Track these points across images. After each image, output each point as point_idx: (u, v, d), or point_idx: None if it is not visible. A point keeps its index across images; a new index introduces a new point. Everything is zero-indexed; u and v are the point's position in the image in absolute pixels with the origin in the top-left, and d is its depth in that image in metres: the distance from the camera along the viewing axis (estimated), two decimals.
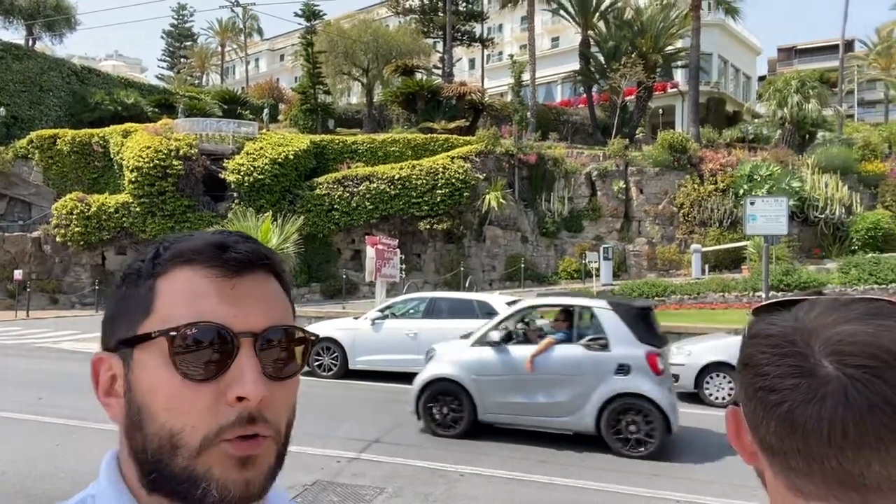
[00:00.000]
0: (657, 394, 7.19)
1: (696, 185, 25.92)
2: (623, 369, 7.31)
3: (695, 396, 10.49)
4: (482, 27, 43.28)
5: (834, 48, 44.78)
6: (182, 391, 0.61)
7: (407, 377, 11.70)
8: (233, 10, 54.95)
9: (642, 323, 7.60)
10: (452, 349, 8.39)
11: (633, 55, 30.74)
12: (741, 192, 24.15)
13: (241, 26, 61.64)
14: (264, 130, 28.75)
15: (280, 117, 39.84)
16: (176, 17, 66.31)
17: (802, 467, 0.61)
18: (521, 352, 7.80)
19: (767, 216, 12.82)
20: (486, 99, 34.52)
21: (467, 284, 23.16)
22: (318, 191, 25.04)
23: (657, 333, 7.86)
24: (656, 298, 18.81)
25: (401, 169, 25.01)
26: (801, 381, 0.60)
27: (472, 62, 54.56)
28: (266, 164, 24.57)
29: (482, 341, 8.08)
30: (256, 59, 70.29)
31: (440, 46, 40.71)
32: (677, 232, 26.03)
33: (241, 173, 24.43)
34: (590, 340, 7.64)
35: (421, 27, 40.06)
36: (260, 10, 76.12)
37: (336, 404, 9.89)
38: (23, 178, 27.94)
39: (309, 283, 24.61)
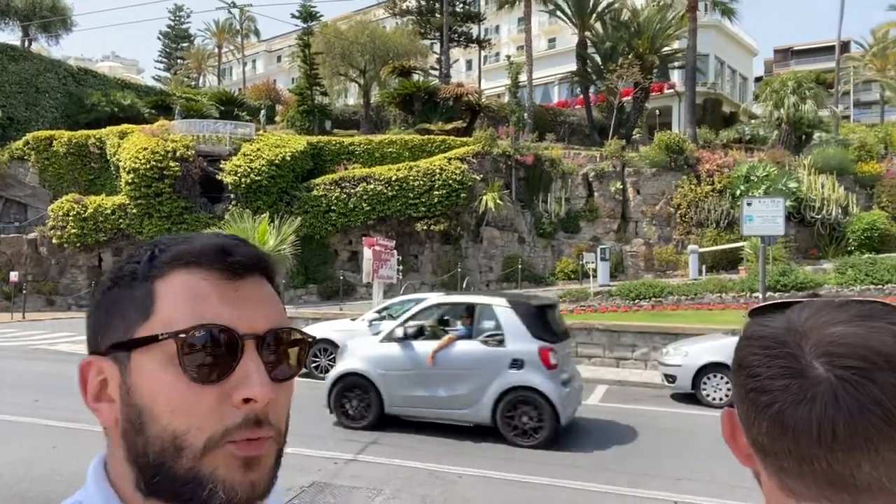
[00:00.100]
0: (547, 387, 7.56)
1: (693, 186, 25.96)
2: (517, 364, 7.69)
3: (692, 397, 10.51)
4: (479, 28, 43.31)
5: (830, 49, 44.90)
6: (187, 393, 0.61)
7: None
8: (230, 12, 54.98)
9: (539, 320, 7.93)
10: (362, 345, 8.71)
11: (629, 56, 30.79)
12: (738, 192, 24.20)
13: (238, 28, 61.58)
14: (261, 132, 28.74)
15: (277, 118, 39.82)
16: (173, 18, 66.27)
17: (794, 468, 0.61)
18: (424, 347, 8.12)
19: (764, 217, 12.84)
20: (483, 100, 34.53)
21: (464, 285, 23.17)
22: (315, 192, 25.03)
23: (554, 330, 8.16)
24: (654, 299, 18.84)
25: (398, 170, 25.02)
26: (791, 382, 0.61)
27: (469, 63, 54.59)
28: (263, 165, 24.55)
29: (389, 337, 8.40)
30: (253, 61, 70.24)
31: (437, 48, 40.72)
32: (674, 233, 26.06)
33: (238, 175, 24.41)
34: (488, 336, 7.98)
35: (418, 28, 40.07)
36: (257, 11, 76.18)
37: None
38: (19, 180, 27.88)
39: (306, 285, 24.59)
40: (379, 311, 12.68)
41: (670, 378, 10.79)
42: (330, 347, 12.34)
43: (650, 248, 25.78)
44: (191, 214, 24.49)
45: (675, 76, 38.75)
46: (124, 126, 27.90)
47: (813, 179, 25.12)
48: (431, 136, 28.21)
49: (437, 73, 39.75)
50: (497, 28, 55.80)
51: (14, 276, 23.06)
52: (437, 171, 24.82)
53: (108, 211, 24.54)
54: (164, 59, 67.35)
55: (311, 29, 34.88)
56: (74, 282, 25.15)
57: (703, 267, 23.52)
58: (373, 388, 8.21)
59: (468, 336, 8.09)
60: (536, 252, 26.08)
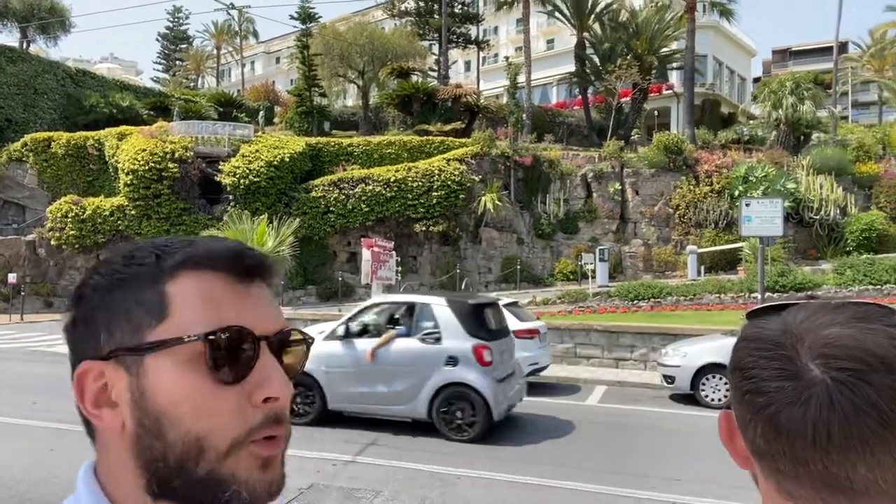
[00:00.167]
0: (481, 383, 7.84)
1: (691, 187, 25.97)
2: (452, 361, 7.96)
3: (691, 398, 10.51)
4: (478, 29, 43.32)
5: (828, 50, 44.97)
6: (210, 395, 0.62)
7: None
8: (228, 13, 54.99)
9: (475, 318, 8.22)
10: None
11: (628, 57, 30.81)
12: (736, 193, 24.21)
13: (237, 29, 61.55)
14: (260, 133, 28.71)
15: (276, 120, 39.79)
16: (171, 19, 66.22)
17: (789, 470, 0.61)
18: (365, 345, 8.31)
19: (762, 217, 12.85)
20: (482, 101, 34.53)
21: (463, 286, 23.16)
22: (313, 193, 25.02)
23: (490, 328, 8.44)
24: (653, 300, 18.84)
25: (396, 171, 25.01)
26: (786, 384, 0.61)
27: (467, 64, 54.60)
28: (262, 166, 24.54)
29: (332, 336, 8.57)
30: (252, 62, 70.22)
31: (436, 49, 40.73)
32: (673, 233, 26.07)
33: (237, 176, 24.39)
34: (425, 334, 8.20)
35: (416, 30, 40.08)
36: (255, 12, 76.14)
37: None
38: (17, 181, 27.85)
39: (305, 286, 24.58)
40: None
41: (669, 379, 10.80)
42: None
43: (649, 249, 25.79)
44: (189, 216, 24.48)
45: (674, 77, 38.78)
46: (123, 127, 27.87)
47: (811, 180, 25.13)
48: (430, 137, 28.21)
49: (435, 74, 39.75)
50: (495, 29, 55.82)
51: (12, 277, 23.03)
52: (436, 172, 24.82)
53: (107, 212, 24.52)
54: (162, 61, 67.31)
55: (309, 30, 34.87)
56: (73, 283, 25.10)
57: (702, 267, 23.53)
58: (316, 385, 8.38)
59: (408, 334, 8.30)
60: (535, 253, 26.08)
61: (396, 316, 8.80)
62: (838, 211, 24.68)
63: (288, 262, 19.14)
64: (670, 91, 38.29)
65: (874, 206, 25.56)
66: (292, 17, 35.53)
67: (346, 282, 24.15)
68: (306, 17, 34.78)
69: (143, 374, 0.62)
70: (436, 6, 39.12)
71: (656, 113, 38.54)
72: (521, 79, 31.88)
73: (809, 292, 17.01)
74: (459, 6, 40.79)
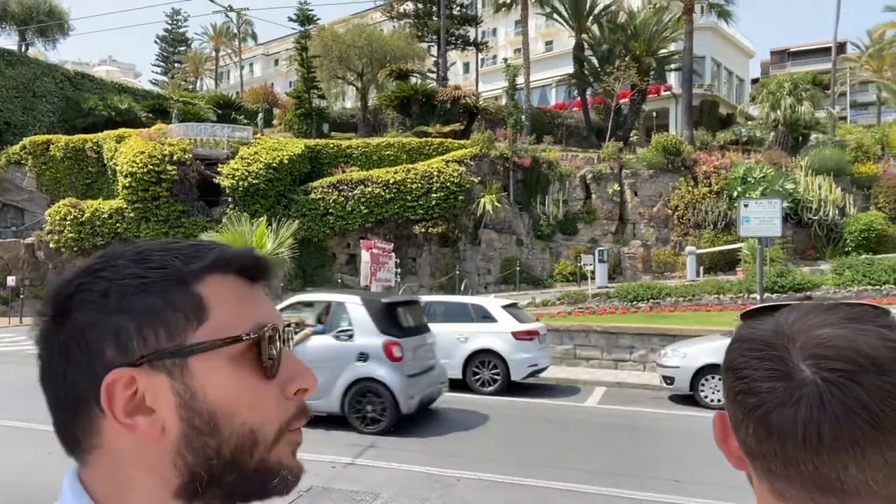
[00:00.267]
0: (390, 378, 8.20)
1: (690, 188, 25.98)
2: (363, 357, 8.32)
3: (691, 398, 10.51)
4: (476, 31, 43.35)
5: (826, 50, 45.02)
6: (255, 389, 0.64)
7: None
8: (227, 15, 54.95)
9: (388, 316, 8.62)
10: None
11: (626, 58, 30.84)
12: (735, 194, 24.22)
13: (236, 31, 61.60)
14: (259, 135, 28.72)
15: (275, 122, 39.80)
16: (170, 22, 66.24)
17: (781, 471, 0.61)
18: None
19: (761, 218, 12.86)
20: (481, 102, 34.55)
21: (462, 288, 23.15)
22: (312, 195, 25.02)
23: (403, 325, 8.83)
24: (652, 301, 18.84)
25: (395, 173, 25.02)
26: (778, 385, 0.61)
27: (466, 66, 54.63)
28: (260, 168, 24.54)
29: None
30: (251, 64, 70.23)
31: (434, 50, 40.76)
32: (672, 234, 26.08)
33: (236, 178, 24.39)
34: (340, 332, 8.55)
35: (415, 31, 40.11)
36: (254, 15, 76.18)
37: None
38: (16, 184, 27.85)
39: (304, 288, 24.53)
40: None
41: (668, 380, 10.80)
42: None
43: (648, 250, 25.80)
44: (188, 218, 24.47)
45: (672, 78, 38.82)
46: (121, 130, 27.88)
47: (810, 181, 25.14)
48: (429, 139, 28.21)
49: (434, 75, 39.78)
50: (494, 31, 55.88)
51: (11, 280, 23.01)
52: (435, 173, 24.82)
53: (106, 215, 24.51)
54: (161, 63, 67.31)
55: (308, 32, 34.89)
56: None
57: (701, 268, 23.54)
58: None
59: (324, 332, 8.62)
60: (535, 254, 26.08)
61: (315, 314, 9.07)
62: (837, 211, 24.69)
63: (287, 264, 19.12)
64: (669, 92, 38.33)
65: (873, 206, 25.57)
66: (291, 20, 35.53)
67: (346, 284, 24.13)
68: (305, 19, 34.80)
69: (190, 376, 0.63)
70: (434, 8, 39.16)
71: (655, 114, 38.57)
72: (520, 80, 31.92)
73: (807, 293, 17.02)
74: (458, 8, 40.83)
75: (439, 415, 9.80)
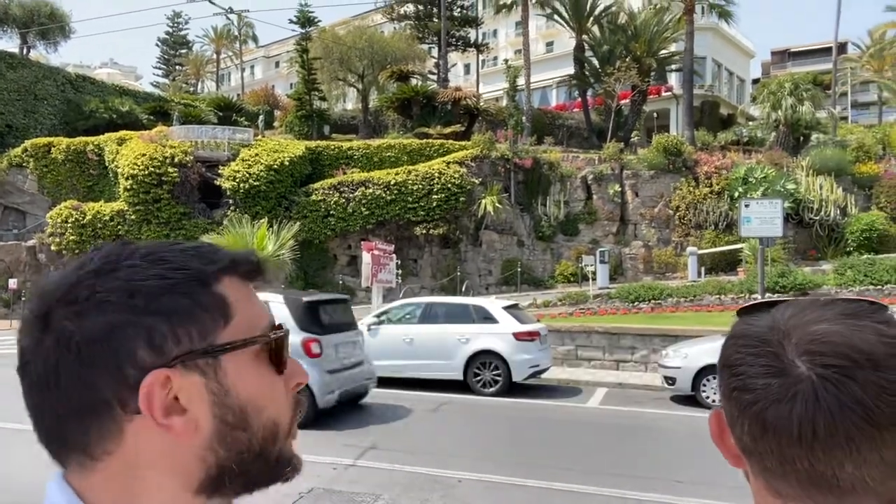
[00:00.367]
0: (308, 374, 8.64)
1: (691, 188, 25.97)
2: None
3: (692, 399, 10.50)
4: (477, 33, 43.36)
5: (827, 51, 44.99)
6: (275, 384, 0.68)
7: (404, 383, 11.72)
8: (227, 18, 55.04)
9: (309, 314, 8.91)
10: None
11: (627, 59, 30.83)
12: (736, 194, 24.20)
13: (237, 33, 61.67)
14: (260, 137, 28.74)
15: (275, 124, 39.83)
16: (171, 24, 66.33)
17: (776, 468, 0.61)
18: None
19: (762, 218, 12.85)
20: (482, 104, 34.56)
21: (464, 289, 23.15)
22: (313, 197, 25.03)
23: (324, 323, 9.12)
24: (653, 301, 18.83)
25: (396, 174, 25.02)
26: (773, 381, 0.60)
27: (467, 67, 54.65)
28: (261, 170, 24.56)
29: None
30: (252, 66, 70.31)
31: (435, 52, 40.78)
32: (673, 235, 26.06)
33: (237, 180, 24.41)
34: None
35: (416, 33, 40.13)
36: (255, 17, 76.29)
37: (332, 410, 9.86)
38: (17, 187, 27.89)
39: (305, 290, 24.56)
40: (378, 316, 12.67)
41: (670, 380, 10.78)
42: None
43: (649, 251, 25.78)
44: (189, 220, 24.49)
45: (673, 79, 38.83)
46: (123, 132, 27.91)
47: (811, 181, 25.12)
48: (430, 141, 28.22)
49: (435, 77, 39.80)
50: (495, 32, 55.90)
51: (13, 283, 23.04)
52: (436, 174, 24.82)
53: (107, 217, 24.53)
54: (162, 66, 67.40)
55: (309, 34, 34.91)
56: None
57: (702, 269, 23.51)
58: None
59: None
60: (536, 255, 26.07)
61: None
62: (838, 211, 24.67)
63: (288, 265, 19.14)
64: (669, 93, 38.32)
65: (874, 206, 25.54)
66: (291, 22, 35.56)
67: (347, 285, 24.14)
68: (305, 21, 34.83)
69: (224, 374, 0.65)
70: (435, 10, 39.18)
71: (655, 115, 38.57)
72: (521, 81, 31.92)
73: (806, 293, 17.02)
74: (458, 9, 40.86)
75: (441, 416, 9.81)
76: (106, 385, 0.61)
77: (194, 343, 0.63)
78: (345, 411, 9.90)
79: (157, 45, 67.50)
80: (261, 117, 36.81)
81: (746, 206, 13.24)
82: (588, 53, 34.59)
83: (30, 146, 27.75)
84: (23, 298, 22.69)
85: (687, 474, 6.69)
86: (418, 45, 39.74)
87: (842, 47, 43.73)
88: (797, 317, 0.64)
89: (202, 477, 0.64)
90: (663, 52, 34.08)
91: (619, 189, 26.60)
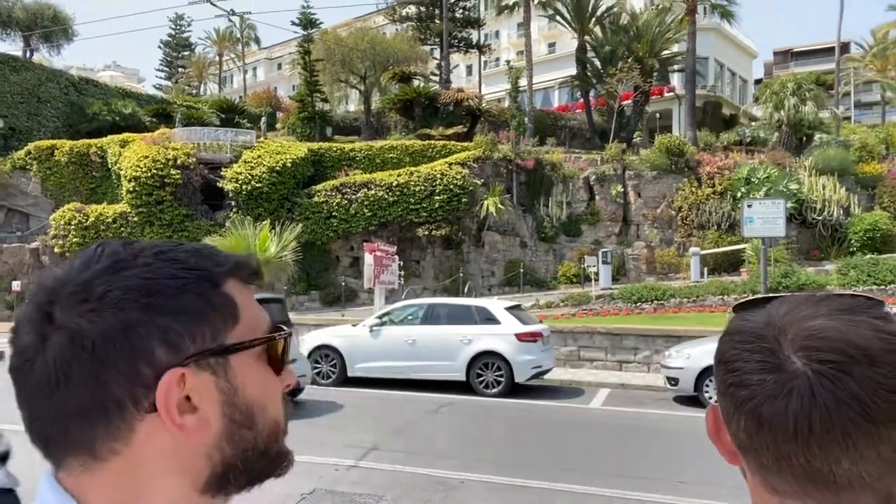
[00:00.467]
0: None
1: (693, 189, 25.93)
2: None
3: (695, 399, 10.48)
4: (479, 34, 43.37)
5: (830, 50, 44.91)
6: (275, 383, 0.70)
7: (406, 384, 11.72)
8: (230, 20, 55.16)
9: None
10: None
11: (629, 60, 30.80)
12: (739, 194, 24.15)
13: (239, 36, 61.76)
14: (262, 139, 28.77)
15: (278, 125, 39.88)
16: (173, 27, 66.46)
17: (772, 464, 0.60)
18: None
19: (765, 218, 12.83)
20: (484, 105, 34.54)
21: (466, 290, 23.13)
22: (316, 198, 25.04)
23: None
24: (656, 302, 18.80)
25: (399, 176, 25.03)
26: (768, 377, 0.60)
27: (469, 68, 54.68)
28: (264, 172, 24.58)
29: None
30: (254, 68, 70.43)
31: (437, 53, 40.80)
32: (676, 235, 26.03)
33: (239, 182, 24.44)
34: None
35: (418, 34, 40.16)
36: (257, 19, 76.41)
37: (334, 411, 9.87)
38: (21, 189, 27.95)
39: (308, 291, 24.58)
40: (380, 317, 12.67)
41: (673, 381, 10.77)
42: (331, 353, 12.33)
43: (652, 251, 25.74)
44: (192, 222, 24.52)
45: (675, 79, 38.78)
46: (125, 135, 27.95)
47: (814, 181, 25.07)
48: (432, 142, 28.22)
49: (437, 78, 39.81)
50: (497, 33, 55.93)
51: (16, 285, 23.08)
52: (438, 176, 24.82)
53: (110, 219, 24.58)
54: (165, 68, 67.55)
55: (311, 36, 34.94)
56: None
57: (705, 269, 23.47)
58: None
59: None
60: (538, 256, 26.05)
61: None
62: (841, 211, 24.61)
63: (291, 267, 19.16)
64: (672, 93, 38.29)
65: (878, 206, 25.48)
66: (294, 24, 35.61)
67: (350, 286, 24.15)
68: (307, 23, 34.87)
69: (233, 374, 0.66)
70: (437, 11, 39.21)
71: (658, 115, 38.53)
72: (523, 82, 31.92)
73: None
74: (460, 11, 40.87)
75: (443, 417, 9.80)
76: (119, 384, 0.61)
77: (206, 342, 0.64)
78: (346, 412, 9.90)
79: (159, 47, 67.68)
80: (263, 119, 36.85)
81: (749, 206, 13.22)
82: (590, 54, 34.57)
83: (33, 149, 27.81)
84: (25, 300, 22.73)
85: (689, 475, 6.68)
86: (420, 46, 39.76)
87: (845, 47, 43.66)
88: (793, 312, 0.63)
89: (208, 475, 0.65)
90: (666, 52, 34.05)
91: (622, 190, 26.57)
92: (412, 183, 24.74)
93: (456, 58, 45.43)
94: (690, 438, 8.15)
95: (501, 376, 11.39)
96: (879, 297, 0.67)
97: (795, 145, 28.76)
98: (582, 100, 35.91)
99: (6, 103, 30.66)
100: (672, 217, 26.10)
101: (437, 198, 24.49)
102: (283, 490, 5.49)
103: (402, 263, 19.65)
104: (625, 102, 32.47)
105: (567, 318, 17.21)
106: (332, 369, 12.20)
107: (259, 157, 25.33)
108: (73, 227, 24.44)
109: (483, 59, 46.49)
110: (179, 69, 66.23)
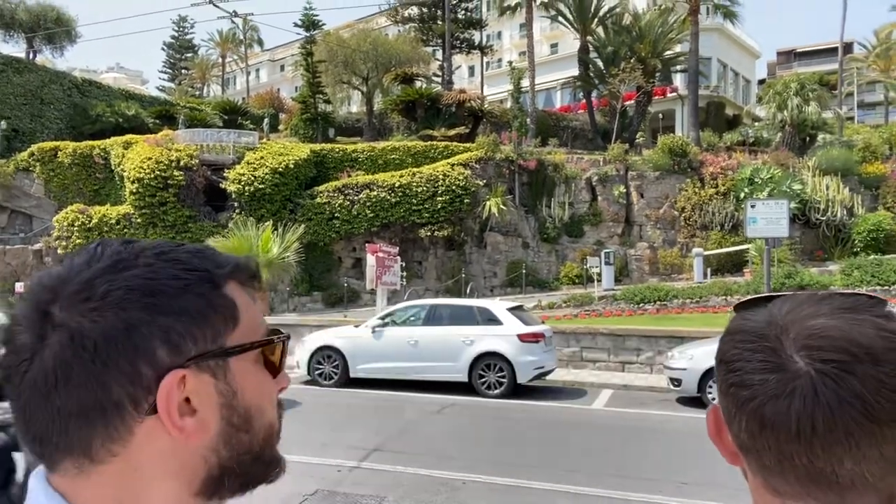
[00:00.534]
0: None
1: (696, 189, 25.90)
2: None
3: (698, 401, 10.46)
4: (481, 35, 43.38)
5: (833, 51, 44.85)
6: (271, 386, 0.70)
7: (408, 385, 11.72)
8: (233, 22, 55.24)
9: None
10: None
11: (631, 60, 30.76)
12: (742, 195, 24.11)
13: (242, 37, 61.88)
14: (265, 140, 28.81)
15: (280, 127, 39.93)
16: (176, 29, 66.62)
17: (774, 465, 0.59)
18: None
19: (768, 219, 12.80)
20: (486, 106, 34.55)
21: (468, 291, 23.13)
22: (318, 199, 25.07)
23: None
24: (659, 303, 18.77)
25: (401, 177, 25.04)
26: (771, 377, 0.59)
27: (471, 69, 54.68)
28: (266, 173, 24.62)
29: None
30: (257, 70, 70.53)
31: (439, 54, 40.81)
32: (679, 236, 25.99)
33: (242, 183, 24.47)
34: None
35: (420, 35, 40.18)
36: (260, 20, 76.54)
37: (337, 412, 9.87)
38: (24, 191, 28.02)
39: (310, 292, 24.60)
40: (382, 318, 12.67)
41: (676, 382, 10.74)
42: (334, 354, 12.33)
43: (654, 252, 25.70)
44: (195, 223, 24.55)
45: (678, 80, 38.73)
46: (129, 136, 28.01)
47: (817, 181, 25.01)
48: (434, 143, 28.23)
49: (439, 79, 39.83)
50: (499, 34, 55.92)
51: (20, 286, 23.10)
52: (441, 177, 24.83)
53: (113, 221, 24.63)
54: (168, 70, 67.71)
55: (313, 38, 35.01)
56: None
57: (708, 270, 23.43)
58: None
59: None
60: (540, 257, 26.03)
61: None
62: (845, 212, 24.55)
63: (293, 268, 19.19)
64: (674, 94, 38.23)
65: (881, 206, 25.42)
66: (296, 25, 35.72)
67: (352, 287, 24.17)
68: (310, 24, 34.94)
69: (232, 376, 0.65)
70: (439, 12, 39.23)
71: (661, 116, 38.49)
72: (525, 83, 31.88)
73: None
74: (463, 12, 40.88)
75: (445, 418, 9.79)
76: (120, 385, 0.60)
77: (207, 344, 0.63)
78: (348, 413, 9.90)
79: (162, 49, 67.86)
80: (266, 120, 36.92)
81: (752, 206, 13.20)
82: (592, 55, 34.55)
83: (36, 150, 27.88)
84: (22, 298, 22.78)
85: (692, 476, 6.66)
86: (422, 47, 39.78)
87: (848, 47, 43.57)
88: (795, 311, 0.63)
89: (203, 478, 0.64)
90: (668, 52, 34.00)
91: (624, 190, 26.54)
92: (414, 184, 24.75)
93: (458, 59, 45.46)
94: (693, 440, 8.13)
95: (504, 377, 11.38)
96: (883, 297, 0.66)
97: (799, 145, 28.70)
98: (584, 100, 35.89)
99: (9, 105, 30.75)
100: (675, 218, 26.07)
101: (440, 199, 24.50)
102: (284, 491, 5.49)
103: (404, 264, 19.65)
104: (627, 103, 32.44)
105: (569, 319, 17.19)
106: (334, 370, 12.20)
107: (262, 158, 25.36)
108: (76, 228, 24.50)
109: (485, 60, 46.48)
110: (182, 71, 66.38)
